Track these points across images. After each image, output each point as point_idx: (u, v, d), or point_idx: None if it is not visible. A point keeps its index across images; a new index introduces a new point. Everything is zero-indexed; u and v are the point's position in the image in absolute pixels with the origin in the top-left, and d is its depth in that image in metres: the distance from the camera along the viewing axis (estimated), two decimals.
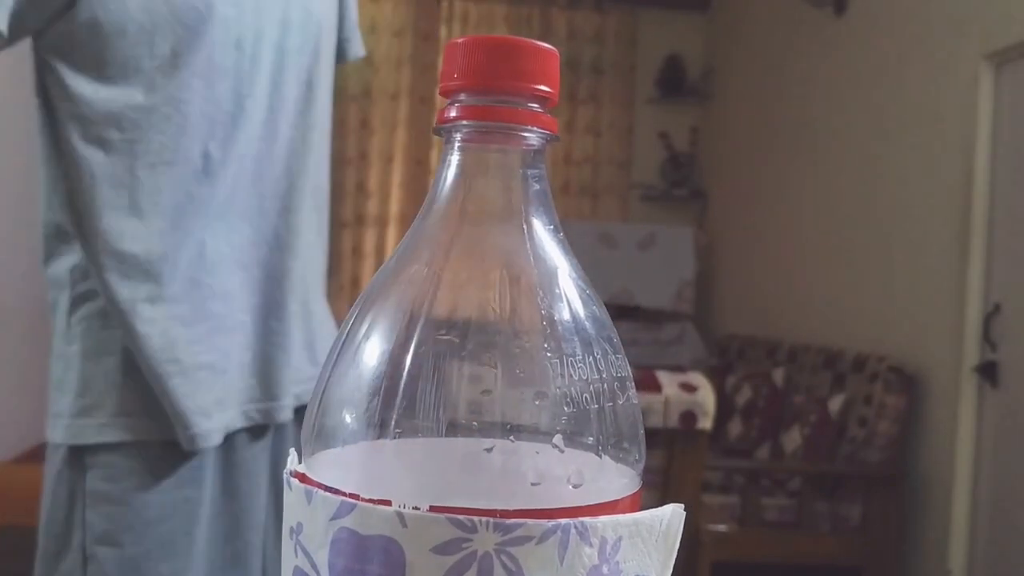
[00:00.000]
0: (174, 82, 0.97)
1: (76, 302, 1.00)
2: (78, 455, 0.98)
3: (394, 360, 0.31)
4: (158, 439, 0.99)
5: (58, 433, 0.98)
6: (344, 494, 0.30)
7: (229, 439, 1.04)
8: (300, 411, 1.11)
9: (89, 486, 0.98)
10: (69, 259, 1.01)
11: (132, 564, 0.99)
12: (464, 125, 0.34)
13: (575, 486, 0.31)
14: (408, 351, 0.31)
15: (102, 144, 0.97)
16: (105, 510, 0.98)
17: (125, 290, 0.97)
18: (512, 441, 0.31)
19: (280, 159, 1.09)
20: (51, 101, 0.99)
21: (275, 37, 1.06)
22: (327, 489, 0.31)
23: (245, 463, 1.07)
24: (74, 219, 0.98)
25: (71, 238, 1.00)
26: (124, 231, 0.97)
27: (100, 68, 0.96)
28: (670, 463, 2.58)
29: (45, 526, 1.01)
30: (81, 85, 0.96)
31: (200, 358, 1.00)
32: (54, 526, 1.00)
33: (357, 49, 1.26)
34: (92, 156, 0.97)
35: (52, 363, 1.01)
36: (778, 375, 3.90)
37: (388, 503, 0.29)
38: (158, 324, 0.98)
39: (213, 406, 1.01)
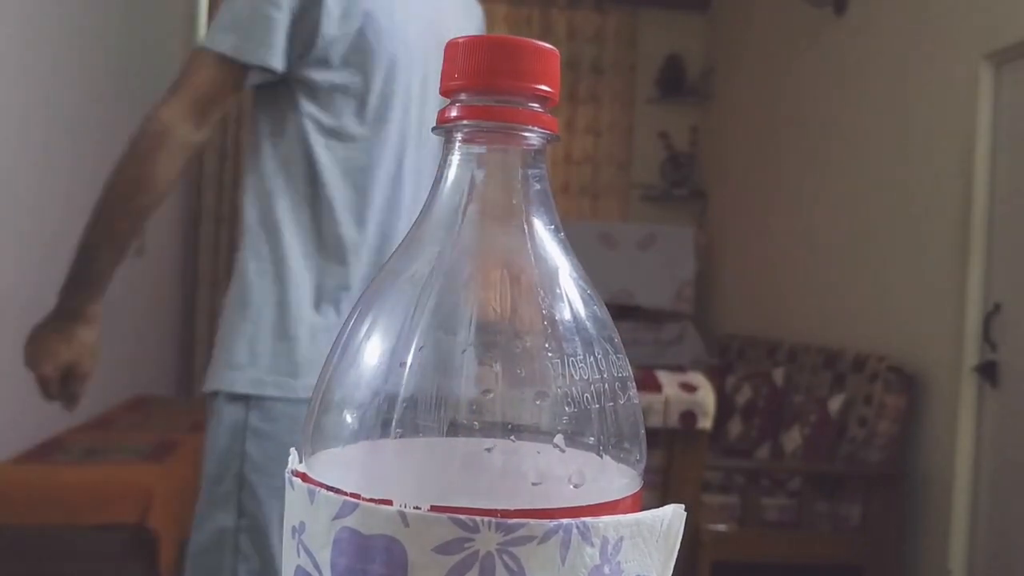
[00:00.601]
0: (384, 107, 1.34)
1: (257, 276, 1.32)
2: (243, 399, 1.27)
3: (395, 360, 0.31)
4: (304, 397, 1.27)
5: (227, 382, 1.28)
6: (345, 494, 0.30)
7: None
8: None
9: (250, 423, 1.27)
10: (257, 245, 1.33)
11: (279, 493, 1.21)
12: (464, 125, 0.34)
13: (576, 486, 0.31)
14: (409, 351, 0.31)
15: (331, 152, 1.34)
16: (261, 444, 1.25)
17: (322, 271, 1.32)
18: (513, 441, 0.31)
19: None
20: (286, 119, 1.34)
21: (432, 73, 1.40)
22: (329, 489, 0.31)
23: None
24: (294, 210, 1.33)
25: (271, 227, 1.33)
26: (339, 220, 1.33)
27: (329, 96, 1.33)
28: (670, 463, 2.58)
29: (211, 454, 1.28)
30: (314, 111, 1.33)
31: None
32: (219, 454, 1.27)
33: None
34: (326, 160, 1.33)
35: (226, 323, 1.32)
36: (778, 375, 3.90)
37: (389, 503, 0.29)
38: (344, 303, 1.31)
39: None
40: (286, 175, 1.35)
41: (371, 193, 1.36)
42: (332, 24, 1.32)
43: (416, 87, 1.40)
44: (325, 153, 1.34)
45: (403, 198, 1.39)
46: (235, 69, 1.30)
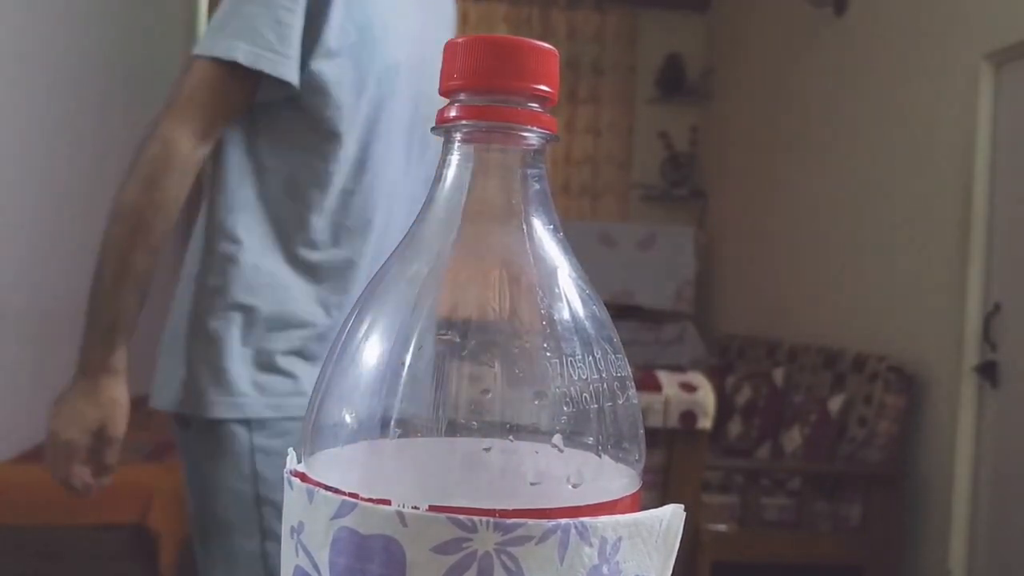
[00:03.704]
0: (370, 130, 1.22)
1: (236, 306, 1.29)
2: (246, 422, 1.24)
3: (394, 359, 0.31)
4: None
5: (229, 409, 1.23)
6: (344, 494, 0.30)
7: None
8: None
9: (256, 442, 1.23)
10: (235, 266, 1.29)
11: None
12: (464, 125, 0.34)
13: (575, 486, 0.31)
14: (408, 351, 0.31)
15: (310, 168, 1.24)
16: (273, 462, 1.22)
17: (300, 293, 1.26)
18: (511, 441, 0.31)
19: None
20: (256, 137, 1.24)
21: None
22: (327, 488, 0.31)
23: None
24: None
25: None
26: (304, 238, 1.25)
27: (318, 122, 1.21)
28: (670, 463, 2.58)
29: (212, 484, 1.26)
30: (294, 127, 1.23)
31: None
32: (233, 478, 1.24)
33: None
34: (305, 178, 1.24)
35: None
36: (778, 375, 3.90)
37: (388, 503, 0.29)
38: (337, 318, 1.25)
39: None
40: (260, 196, 1.25)
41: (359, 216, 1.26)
42: (333, 36, 1.17)
43: (405, 110, 1.26)
44: (303, 170, 1.23)
45: (394, 222, 1.28)
46: (248, 79, 1.15)
